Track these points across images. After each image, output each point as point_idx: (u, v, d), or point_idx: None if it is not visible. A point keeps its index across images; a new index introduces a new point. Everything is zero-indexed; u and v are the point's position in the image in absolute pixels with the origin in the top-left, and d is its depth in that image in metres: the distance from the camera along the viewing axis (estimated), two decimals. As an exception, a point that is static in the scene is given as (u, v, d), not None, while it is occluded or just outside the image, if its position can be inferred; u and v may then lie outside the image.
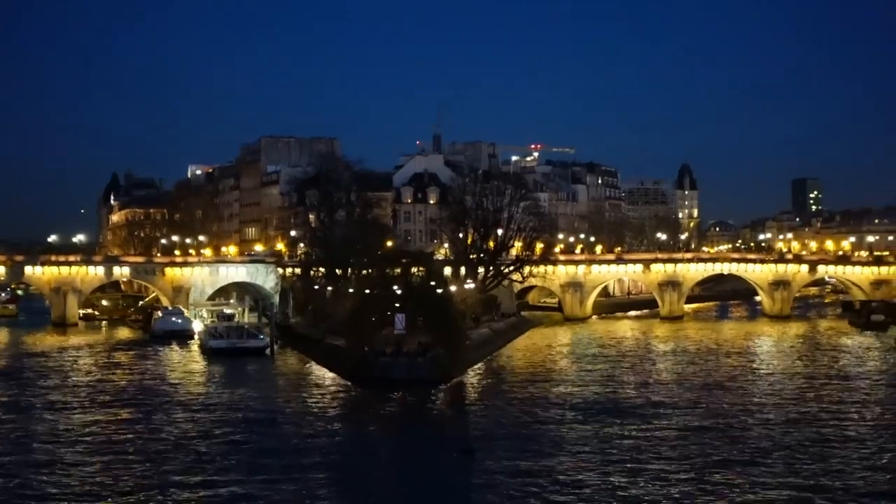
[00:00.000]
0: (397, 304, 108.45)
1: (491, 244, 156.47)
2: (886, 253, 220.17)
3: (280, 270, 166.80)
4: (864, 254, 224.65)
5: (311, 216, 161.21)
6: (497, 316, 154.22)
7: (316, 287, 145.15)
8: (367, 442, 74.37)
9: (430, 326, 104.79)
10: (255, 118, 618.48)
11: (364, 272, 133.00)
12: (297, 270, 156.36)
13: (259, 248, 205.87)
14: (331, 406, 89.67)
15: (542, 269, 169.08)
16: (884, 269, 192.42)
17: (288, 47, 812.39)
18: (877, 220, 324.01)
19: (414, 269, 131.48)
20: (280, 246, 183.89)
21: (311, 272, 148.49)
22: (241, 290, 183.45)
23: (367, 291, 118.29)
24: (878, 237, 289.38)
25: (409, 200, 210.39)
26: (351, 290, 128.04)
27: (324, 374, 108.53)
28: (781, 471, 60.19)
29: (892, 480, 58.01)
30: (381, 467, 65.46)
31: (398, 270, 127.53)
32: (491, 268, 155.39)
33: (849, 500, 53.97)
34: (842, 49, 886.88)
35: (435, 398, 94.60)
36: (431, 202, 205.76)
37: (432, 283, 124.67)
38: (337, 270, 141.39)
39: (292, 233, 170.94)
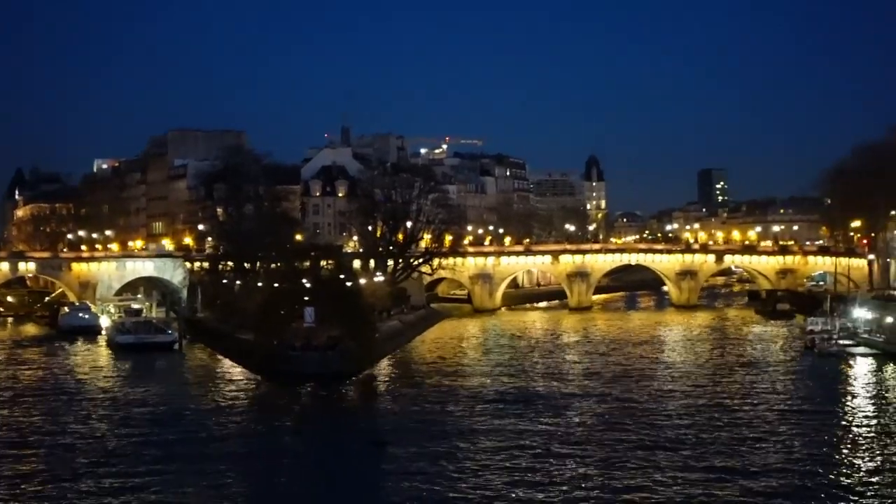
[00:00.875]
0: (306, 298, 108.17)
1: (400, 237, 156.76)
2: (791, 242, 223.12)
3: (188, 265, 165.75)
4: (769, 243, 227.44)
5: (219, 210, 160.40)
6: (407, 308, 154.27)
7: (224, 281, 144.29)
8: (277, 436, 74.06)
9: (339, 320, 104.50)
10: (163, 112, 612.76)
11: (273, 266, 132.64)
12: (206, 265, 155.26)
13: (167, 242, 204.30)
14: (240, 401, 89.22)
15: (451, 261, 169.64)
16: (789, 259, 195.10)
17: (194, 39, 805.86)
18: (782, 210, 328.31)
19: (323, 263, 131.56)
20: (188, 240, 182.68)
21: (220, 266, 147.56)
22: (148, 284, 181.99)
23: (276, 285, 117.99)
24: (783, 227, 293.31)
25: (318, 193, 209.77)
26: (260, 284, 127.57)
27: (233, 369, 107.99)
28: (691, 458, 60.69)
29: (798, 466, 58.65)
30: (291, 461, 65.00)
31: (307, 264, 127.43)
32: (400, 260, 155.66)
33: (756, 485, 54.55)
34: (745, 41, 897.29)
35: (345, 391, 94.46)
36: (340, 195, 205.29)
37: (341, 277, 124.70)
38: (245, 264, 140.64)
39: (200, 227, 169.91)
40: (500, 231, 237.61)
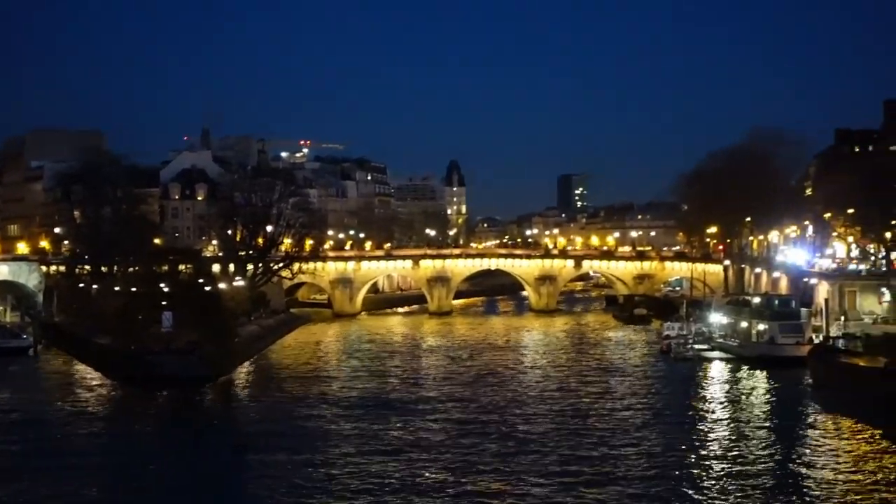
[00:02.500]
0: (165, 302, 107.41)
1: (260, 241, 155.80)
2: (649, 248, 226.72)
3: (44, 268, 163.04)
4: (627, 249, 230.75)
5: (77, 212, 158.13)
6: (266, 313, 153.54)
7: (81, 285, 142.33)
8: (136, 442, 73.05)
9: (198, 324, 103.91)
10: (21, 111, 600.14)
11: (131, 270, 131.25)
12: (62, 268, 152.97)
13: (22, 245, 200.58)
14: (98, 406, 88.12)
15: (311, 265, 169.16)
16: (646, 264, 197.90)
17: (53, 37, 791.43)
18: (640, 216, 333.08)
19: (182, 267, 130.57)
20: (44, 243, 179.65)
21: (77, 270, 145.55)
22: (2, 288, 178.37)
23: (134, 289, 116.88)
24: (640, 232, 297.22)
25: (177, 197, 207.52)
26: (118, 288, 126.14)
27: (90, 374, 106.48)
28: (550, 462, 61.17)
29: (656, 470, 59.61)
30: (150, 467, 64.22)
31: (166, 268, 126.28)
32: (260, 264, 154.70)
33: (616, 488, 55.27)
34: (604, 46, 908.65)
35: (205, 396, 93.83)
36: (200, 198, 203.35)
37: (200, 281, 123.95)
38: (103, 268, 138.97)
39: (57, 230, 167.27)
40: (361, 235, 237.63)
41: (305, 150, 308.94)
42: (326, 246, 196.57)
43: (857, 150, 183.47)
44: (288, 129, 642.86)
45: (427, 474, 59.10)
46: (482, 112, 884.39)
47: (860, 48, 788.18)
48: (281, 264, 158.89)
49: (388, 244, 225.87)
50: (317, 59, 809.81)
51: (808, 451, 64.53)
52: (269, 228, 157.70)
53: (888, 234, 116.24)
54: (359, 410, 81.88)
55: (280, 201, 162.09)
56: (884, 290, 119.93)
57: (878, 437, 67.99)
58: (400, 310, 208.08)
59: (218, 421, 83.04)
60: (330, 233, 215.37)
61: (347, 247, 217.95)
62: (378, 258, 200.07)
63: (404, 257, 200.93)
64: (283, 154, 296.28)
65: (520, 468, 60.09)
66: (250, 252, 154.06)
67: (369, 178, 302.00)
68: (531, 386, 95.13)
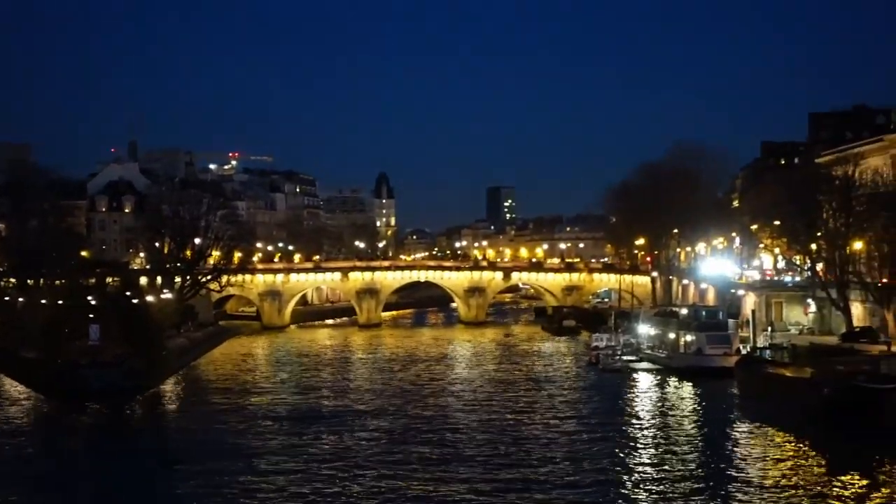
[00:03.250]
0: (91, 315, 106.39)
1: (188, 253, 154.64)
2: (577, 260, 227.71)
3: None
4: (556, 261, 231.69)
5: (2, 225, 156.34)
6: (194, 326, 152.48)
7: (7, 298, 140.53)
8: (63, 457, 72.45)
9: (126, 337, 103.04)
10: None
11: (57, 282, 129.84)
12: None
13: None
14: (24, 420, 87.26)
15: (240, 277, 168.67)
16: (575, 276, 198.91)
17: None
18: (568, 228, 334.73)
19: (109, 279, 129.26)
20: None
21: (2, 283, 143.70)
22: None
23: (61, 302, 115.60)
24: (569, 244, 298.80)
25: (104, 209, 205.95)
26: (44, 301, 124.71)
27: (15, 388, 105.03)
28: (481, 473, 61.24)
29: (584, 478, 59.86)
30: (78, 483, 63.74)
31: (92, 280, 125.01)
32: (188, 277, 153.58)
33: (546, 498, 55.56)
34: (530, 58, 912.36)
35: (133, 409, 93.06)
36: (127, 210, 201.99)
37: (128, 293, 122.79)
38: (29, 281, 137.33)
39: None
40: (290, 248, 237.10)
41: (234, 163, 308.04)
42: (255, 258, 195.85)
43: (783, 162, 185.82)
44: (216, 141, 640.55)
45: (356, 485, 58.94)
46: (411, 124, 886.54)
47: (786, 62, 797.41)
48: (209, 277, 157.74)
49: (317, 256, 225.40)
50: (245, 72, 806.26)
51: (734, 460, 65.02)
52: (197, 241, 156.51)
53: (814, 246, 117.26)
54: (288, 423, 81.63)
55: (208, 213, 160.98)
56: (809, 301, 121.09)
57: (804, 446, 68.68)
58: (329, 322, 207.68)
59: (146, 434, 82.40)
60: (259, 245, 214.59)
61: (276, 259, 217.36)
62: (307, 270, 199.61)
63: (333, 269, 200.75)
64: (212, 166, 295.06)
65: (449, 478, 60.12)
66: (178, 264, 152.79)
67: (298, 190, 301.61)
68: (460, 398, 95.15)
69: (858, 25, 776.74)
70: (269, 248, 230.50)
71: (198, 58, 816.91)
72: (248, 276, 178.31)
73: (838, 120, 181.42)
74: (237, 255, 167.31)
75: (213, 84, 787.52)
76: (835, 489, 56.57)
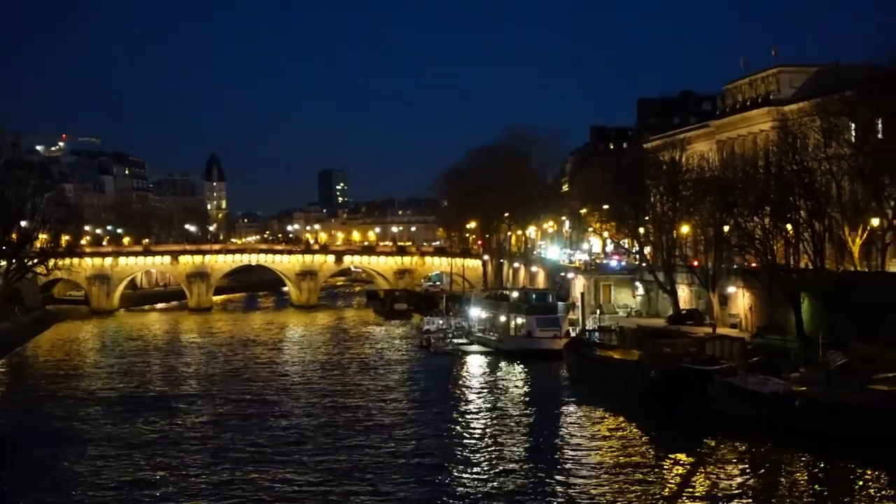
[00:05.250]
0: None
1: (14, 236, 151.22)
2: (409, 243, 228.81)
3: None
4: (388, 244, 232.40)
5: None
6: (20, 310, 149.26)
7: None
8: None
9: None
10: None
11: None
12: None
13: None
14: None
15: (67, 261, 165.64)
16: (406, 259, 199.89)
17: None
18: (400, 212, 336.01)
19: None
20: None
21: None
22: None
23: None
24: (401, 228, 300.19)
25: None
26: None
27: None
28: (314, 457, 61.02)
29: (417, 460, 60.18)
30: None
31: None
32: (14, 261, 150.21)
33: (379, 480, 55.44)
34: (362, 44, 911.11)
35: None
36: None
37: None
38: None
39: None
40: (119, 231, 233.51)
41: (61, 144, 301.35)
42: (83, 241, 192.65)
43: (612, 147, 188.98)
44: (43, 123, 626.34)
45: (187, 471, 58.26)
46: (242, 107, 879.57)
47: (615, 47, 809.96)
48: (35, 260, 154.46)
49: (147, 240, 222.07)
50: (73, 52, 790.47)
51: (562, 442, 65.72)
52: (23, 223, 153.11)
53: (642, 230, 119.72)
54: (117, 409, 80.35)
55: (34, 196, 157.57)
56: (637, 283, 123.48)
57: (632, 428, 69.85)
58: (159, 306, 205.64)
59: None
60: (87, 228, 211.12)
61: (105, 242, 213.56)
62: (136, 254, 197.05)
63: (163, 253, 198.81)
64: (39, 147, 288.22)
65: (280, 463, 59.83)
66: (3, 248, 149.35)
67: (127, 172, 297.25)
68: (291, 382, 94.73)
69: (686, 14, 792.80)
70: (98, 231, 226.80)
71: (27, 38, 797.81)
72: (75, 260, 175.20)
73: (666, 106, 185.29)
74: (65, 238, 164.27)
75: (38, 64, 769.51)
76: (661, 469, 57.71)
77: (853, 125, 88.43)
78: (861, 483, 53.60)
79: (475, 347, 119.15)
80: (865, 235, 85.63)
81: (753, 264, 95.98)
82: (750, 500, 51.56)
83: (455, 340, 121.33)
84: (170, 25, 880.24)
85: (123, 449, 64.58)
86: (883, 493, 51.77)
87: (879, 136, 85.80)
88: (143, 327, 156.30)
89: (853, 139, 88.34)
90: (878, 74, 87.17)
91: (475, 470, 58.26)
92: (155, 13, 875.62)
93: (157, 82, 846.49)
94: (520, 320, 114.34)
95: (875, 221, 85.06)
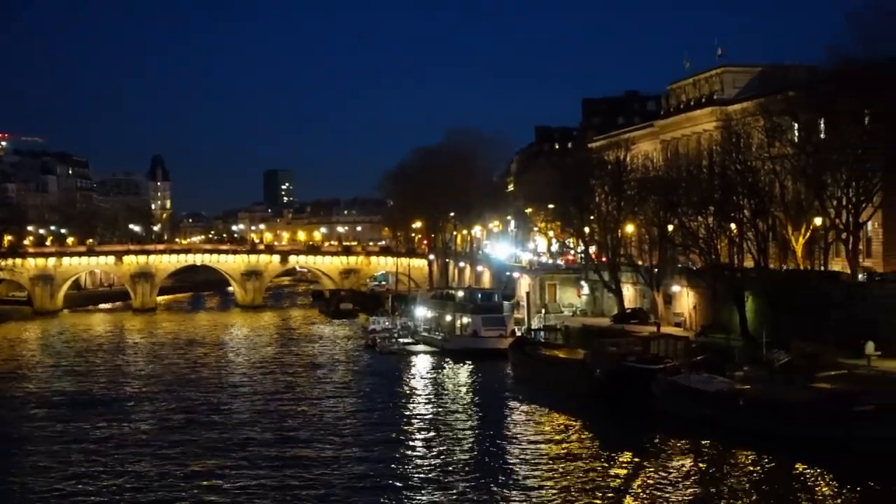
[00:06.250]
0: None
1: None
2: (355, 243, 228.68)
3: None
4: (334, 244, 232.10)
5: None
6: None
7: None
8: None
9: None
10: None
11: None
12: None
13: None
14: None
15: (9, 261, 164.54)
16: (352, 259, 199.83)
17: None
18: (346, 212, 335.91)
19: None
20: None
21: None
22: None
23: None
24: (347, 228, 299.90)
25: None
26: None
27: None
28: (259, 457, 60.81)
29: (355, 461, 60.14)
30: None
31: None
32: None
33: (327, 479, 55.40)
34: (306, 44, 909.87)
35: None
36: None
37: None
38: None
39: None
40: (63, 231, 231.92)
41: (4, 143, 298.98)
42: (26, 242, 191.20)
43: (556, 146, 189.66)
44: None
45: (131, 473, 57.79)
46: (186, 107, 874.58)
47: (560, 47, 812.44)
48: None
49: (91, 240, 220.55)
50: (15, 51, 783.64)
51: (507, 441, 65.81)
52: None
53: (587, 229, 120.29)
54: (60, 410, 79.78)
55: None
56: (583, 283, 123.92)
57: (577, 427, 70.01)
58: (103, 306, 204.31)
59: None
60: (30, 228, 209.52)
61: (48, 242, 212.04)
62: (80, 254, 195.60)
63: (107, 253, 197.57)
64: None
65: (225, 464, 59.45)
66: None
67: (71, 172, 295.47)
68: (236, 383, 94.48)
69: (630, 13, 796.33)
70: (42, 231, 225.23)
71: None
72: (18, 260, 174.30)
73: (610, 106, 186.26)
74: (7, 238, 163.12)
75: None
76: (605, 468, 57.85)
77: (796, 125, 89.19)
78: (803, 482, 53.84)
79: (421, 347, 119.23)
80: (808, 235, 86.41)
81: (698, 263, 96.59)
82: (692, 499, 51.73)
83: (401, 340, 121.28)
84: (113, 24, 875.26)
85: (67, 450, 64.14)
86: (825, 491, 52.09)
87: (822, 135, 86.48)
88: (87, 328, 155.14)
89: (796, 139, 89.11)
90: (821, 77, 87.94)
91: (419, 469, 58.24)
92: (97, 12, 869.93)
93: (101, 82, 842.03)
94: (465, 320, 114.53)
95: (818, 221, 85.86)
